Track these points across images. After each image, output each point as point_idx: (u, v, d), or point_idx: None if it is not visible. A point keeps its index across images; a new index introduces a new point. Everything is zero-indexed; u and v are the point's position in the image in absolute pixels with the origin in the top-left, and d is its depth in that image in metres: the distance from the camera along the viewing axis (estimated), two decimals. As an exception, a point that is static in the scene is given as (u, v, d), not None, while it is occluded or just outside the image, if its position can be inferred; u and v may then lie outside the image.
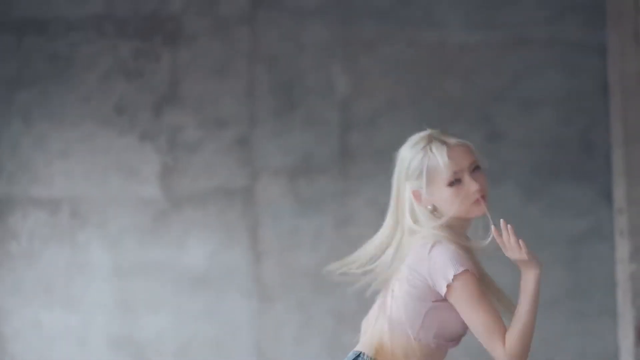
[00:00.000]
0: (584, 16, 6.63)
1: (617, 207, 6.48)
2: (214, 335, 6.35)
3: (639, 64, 6.40)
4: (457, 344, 2.47)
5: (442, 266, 2.30)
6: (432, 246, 2.33)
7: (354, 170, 6.56)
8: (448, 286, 2.26)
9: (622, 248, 6.39)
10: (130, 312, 6.38)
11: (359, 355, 2.46)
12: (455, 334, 2.40)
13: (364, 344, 2.50)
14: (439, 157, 2.31)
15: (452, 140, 2.36)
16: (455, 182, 2.33)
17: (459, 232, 2.38)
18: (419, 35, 6.63)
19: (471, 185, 2.32)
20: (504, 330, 2.39)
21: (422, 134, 2.43)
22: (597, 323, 6.41)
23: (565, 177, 6.53)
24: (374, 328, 2.50)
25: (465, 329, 2.39)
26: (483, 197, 2.38)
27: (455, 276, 2.26)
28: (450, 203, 2.32)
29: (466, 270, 2.27)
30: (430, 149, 2.33)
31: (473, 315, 2.30)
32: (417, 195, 2.36)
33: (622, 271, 6.41)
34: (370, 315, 2.60)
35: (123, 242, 6.43)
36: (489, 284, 2.44)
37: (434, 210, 2.38)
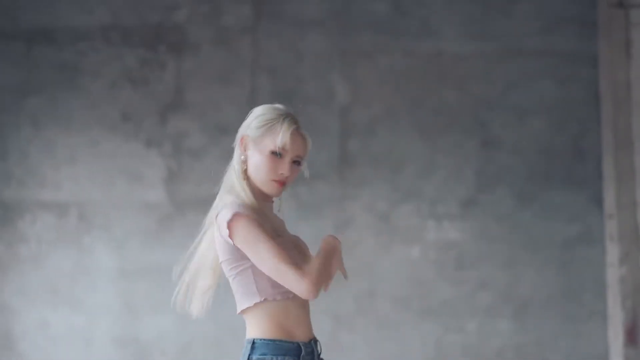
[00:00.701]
0: (576, 28, 6.64)
1: (607, 213, 6.48)
2: (215, 336, 6.32)
3: (629, 73, 6.43)
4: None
5: (224, 214, 2.35)
6: (222, 208, 2.38)
7: (353, 176, 6.56)
8: (228, 227, 2.28)
9: (612, 252, 6.39)
10: (134, 313, 6.37)
11: (252, 342, 2.48)
12: None
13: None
14: (284, 130, 2.41)
15: (301, 130, 2.46)
16: (276, 154, 2.41)
17: (258, 204, 2.40)
18: (415, 46, 6.63)
19: (283, 167, 2.38)
20: (291, 260, 2.34)
21: (287, 108, 2.51)
22: (588, 324, 6.40)
23: (557, 183, 6.53)
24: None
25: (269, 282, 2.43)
26: (284, 183, 2.42)
27: (233, 216, 2.31)
28: (260, 167, 2.41)
29: (242, 214, 2.30)
30: (283, 120, 2.43)
31: (258, 254, 2.33)
32: (244, 140, 2.45)
33: (612, 274, 6.41)
34: None
35: (128, 245, 6.42)
36: (291, 248, 2.42)
37: (244, 171, 2.43)
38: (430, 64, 6.61)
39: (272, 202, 2.53)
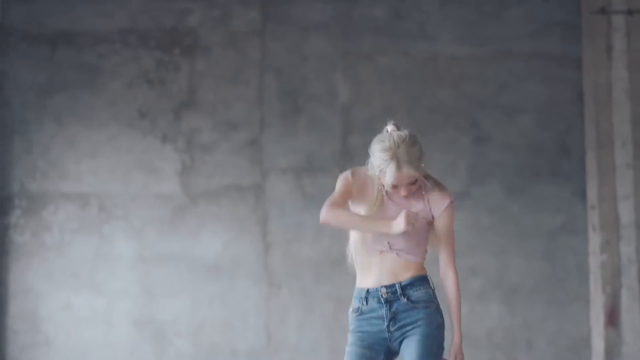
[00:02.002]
0: (562, 32, 6.65)
1: (589, 204, 6.49)
2: (226, 318, 6.37)
3: (610, 75, 6.42)
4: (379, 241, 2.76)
5: None
6: None
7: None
8: None
9: (594, 241, 6.41)
10: (150, 296, 6.40)
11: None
12: None
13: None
14: (388, 175, 2.70)
15: (403, 166, 2.69)
16: (394, 187, 2.73)
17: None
18: (412, 48, 6.64)
19: (402, 192, 2.72)
20: (332, 202, 2.75)
21: (391, 149, 2.75)
22: (571, 308, 6.44)
23: (543, 177, 6.56)
24: None
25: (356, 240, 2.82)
26: (406, 196, 2.75)
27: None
28: (386, 185, 2.74)
29: (348, 171, 2.78)
30: (388, 165, 2.71)
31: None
32: (374, 168, 2.79)
33: (594, 262, 6.43)
34: None
35: (145, 233, 6.45)
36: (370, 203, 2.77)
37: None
38: (426, 65, 6.64)
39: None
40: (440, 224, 2.72)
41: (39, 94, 6.56)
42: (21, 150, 6.50)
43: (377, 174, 2.73)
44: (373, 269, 2.72)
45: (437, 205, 2.72)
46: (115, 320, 6.37)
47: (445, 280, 2.76)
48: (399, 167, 2.69)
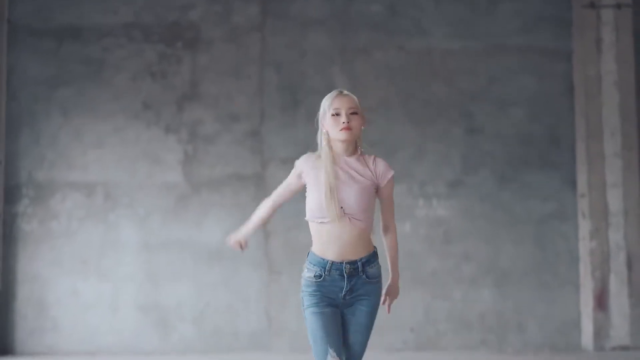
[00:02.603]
0: (553, 27, 6.69)
1: (579, 192, 6.53)
2: (228, 302, 6.42)
3: (600, 68, 6.48)
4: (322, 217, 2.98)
5: None
6: None
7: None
8: None
9: (584, 228, 6.45)
10: (155, 282, 6.45)
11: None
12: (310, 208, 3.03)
13: None
14: (330, 98, 3.05)
15: (344, 93, 3.06)
16: (335, 115, 3.02)
17: (336, 150, 3.07)
18: (407, 43, 6.67)
19: (342, 118, 3.00)
20: (275, 193, 3.11)
21: (336, 90, 3.12)
22: (561, 292, 6.48)
23: (534, 166, 6.59)
24: None
25: (311, 207, 3.01)
26: (348, 128, 3.01)
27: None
28: (330, 128, 3.03)
29: (299, 160, 3.04)
30: (330, 96, 3.06)
31: None
32: (321, 122, 3.08)
33: (583, 248, 6.47)
34: None
35: (149, 221, 6.49)
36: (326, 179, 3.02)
37: (327, 134, 3.07)
38: (421, 59, 6.68)
39: (354, 155, 3.08)
40: (385, 191, 3.03)
41: (46, 87, 6.59)
42: (29, 141, 6.54)
43: (322, 119, 3.06)
44: (332, 240, 2.97)
45: (383, 176, 3.05)
46: (121, 305, 6.42)
47: (387, 232, 3.09)
48: (340, 93, 3.07)
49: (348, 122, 3.01)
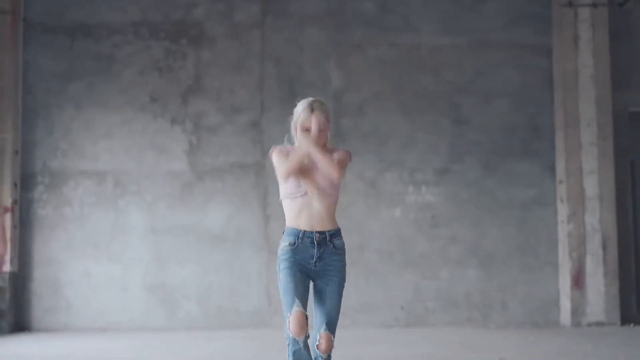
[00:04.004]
0: (534, 24, 6.75)
1: (558, 179, 6.58)
2: (231, 283, 6.49)
3: (577, 63, 6.52)
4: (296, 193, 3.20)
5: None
6: None
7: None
8: (271, 153, 3.31)
9: (562, 212, 6.52)
10: (162, 264, 6.52)
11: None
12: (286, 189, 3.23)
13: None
14: (303, 113, 3.23)
15: (315, 110, 3.23)
16: (305, 130, 3.23)
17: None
18: (398, 39, 6.73)
19: (311, 135, 3.23)
20: (285, 167, 3.24)
21: (308, 101, 3.27)
22: (541, 273, 6.57)
23: (516, 155, 6.66)
24: None
25: (287, 187, 3.21)
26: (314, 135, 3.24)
27: (272, 148, 3.26)
28: (299, 137, 3.24)
29: (275, 149, 3.22)
30: (304, 110, 3.24)
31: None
32: (295, 126, 3.27)
33: (562, 231, 6.53)
34: None
35: (156, 207, 6.56)
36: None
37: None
38: (411, 54, 6.74)
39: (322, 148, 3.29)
40: (335, 155, 3.22)
41: (59, 81, 6.65)
42: (43, 132, 6.60)
43: (295, 122, 3.25)
44: (303, 212, 3.20)
45: (337, 151, 3.27)
46: (129, 286, 6.50)
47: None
48: (312, 111, 3.25)
49: (317, 133, 3.19)
